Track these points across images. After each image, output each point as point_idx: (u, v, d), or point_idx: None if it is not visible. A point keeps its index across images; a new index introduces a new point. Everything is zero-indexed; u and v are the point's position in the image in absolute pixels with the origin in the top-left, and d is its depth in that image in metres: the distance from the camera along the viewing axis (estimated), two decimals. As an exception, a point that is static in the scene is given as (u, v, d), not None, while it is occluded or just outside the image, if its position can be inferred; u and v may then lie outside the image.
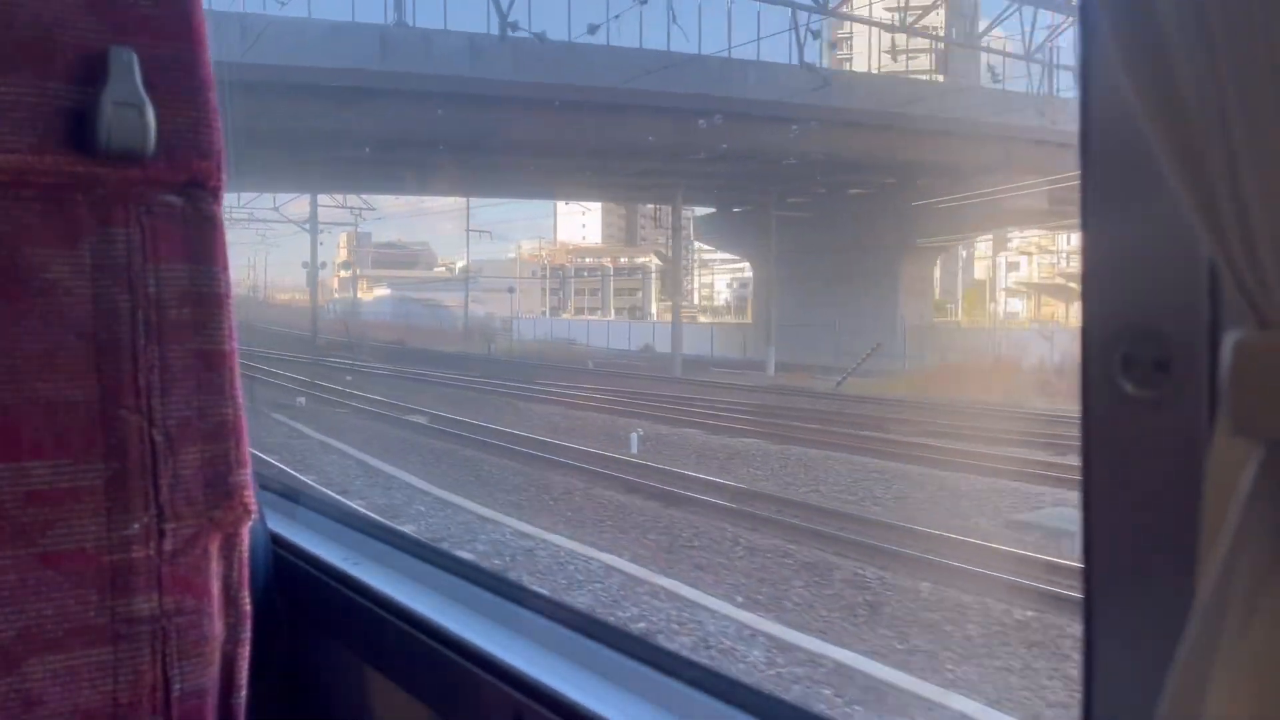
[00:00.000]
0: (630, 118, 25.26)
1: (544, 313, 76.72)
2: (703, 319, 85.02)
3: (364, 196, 41.51)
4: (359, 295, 60.40)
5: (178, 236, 1.12)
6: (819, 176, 29.89)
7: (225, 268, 1.15)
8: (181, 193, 1.12)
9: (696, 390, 23.54)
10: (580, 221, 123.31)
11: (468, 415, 17.48)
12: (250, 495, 1.16)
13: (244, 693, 1.19)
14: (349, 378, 25.32)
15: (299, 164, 30.00)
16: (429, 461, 13.57)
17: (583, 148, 26.58)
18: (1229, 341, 0.46)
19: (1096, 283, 0.62)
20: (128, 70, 1.06)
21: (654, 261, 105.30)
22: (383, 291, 68.72)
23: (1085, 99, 0.62)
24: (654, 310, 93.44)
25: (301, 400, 19.64)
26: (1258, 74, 0.41)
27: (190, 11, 1.12)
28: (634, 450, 14.80)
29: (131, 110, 1.06)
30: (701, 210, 39.46)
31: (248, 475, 1.16)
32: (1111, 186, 0.61)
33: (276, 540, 1.51)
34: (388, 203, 45.35)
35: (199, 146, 1.12)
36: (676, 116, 25.63)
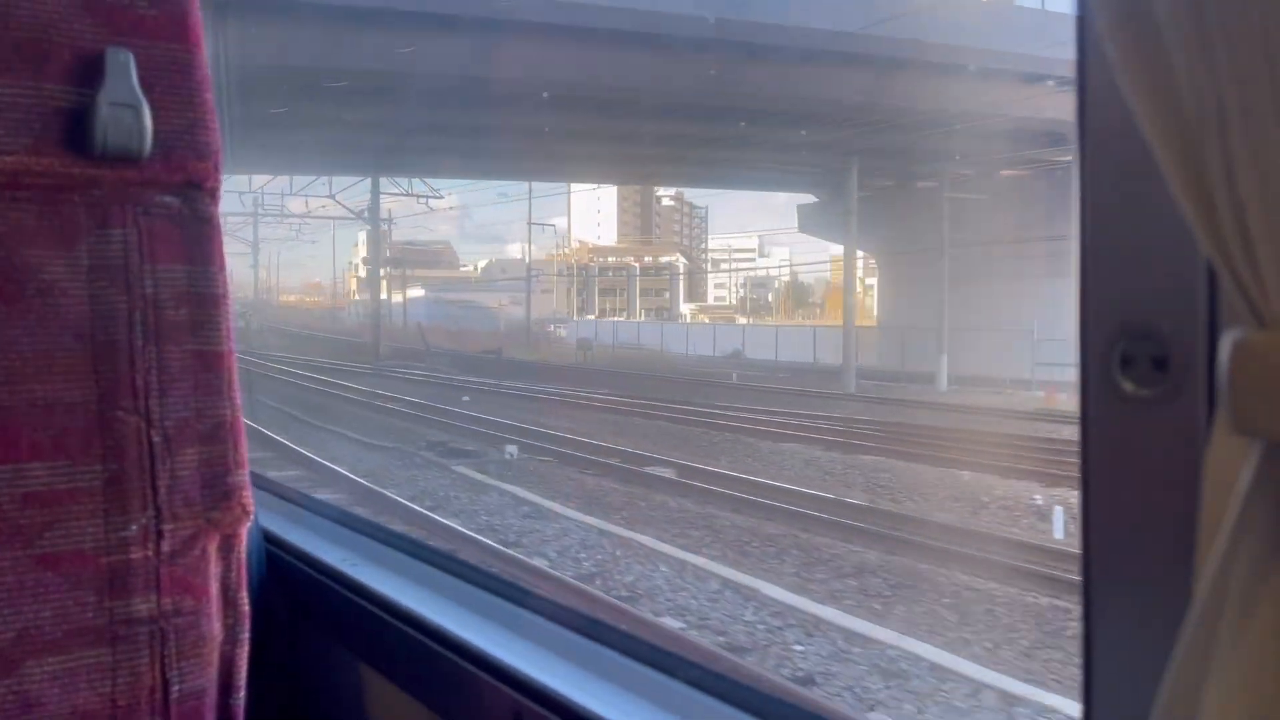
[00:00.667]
0: (826, 70, 20.03)
1: (569, 313, 71.86)
2: (741, 319, 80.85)
3: (426, 180, 36.00)
4: (390, 297, 54.79)
5: (175, 237, 1.11)
6: (979, 148, 24.73)
7: (223, 268, 1.15)
8: (178, 194, 1.12)
9: (931, 413, 18.11)
10: (595, 220, 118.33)
11: (714, 464, 12.35)
12: (248, 496, 1.16)
13: (242, 693, 1.19)
14: (466, 398, 19.94)
15: (361, 133, 24.60)
16: (807, 571, 8.13)
17: (754, 107, 21.34)
18: (1227, 340, 0.45)
19: (1095, 281, 0.62)
20: (124, 71, 1.05)
21: (680, 261, 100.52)
22: (416, 293, 62.91)
23: (1083, 98, 0.61)
24: (685, 311, 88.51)
25: (512, 450, 13.32)
26: (1255, 73, 0.41)
27: (187, 12, 1.11)
28: (1059, 535, 9.57)
29: (128, 111, 1.05)
30: (772, 195, 33.81)
31: (245, 476, 1.16)
32: (1109, 185, 0.61)
33: (276, 541, 1.50)
34: (391, 201, 40.12)
35: (196, 147, 1.12)
36: (878, 69, 20.37)
